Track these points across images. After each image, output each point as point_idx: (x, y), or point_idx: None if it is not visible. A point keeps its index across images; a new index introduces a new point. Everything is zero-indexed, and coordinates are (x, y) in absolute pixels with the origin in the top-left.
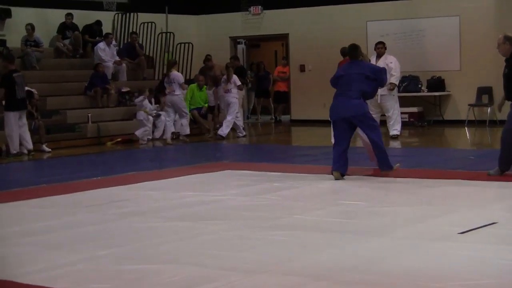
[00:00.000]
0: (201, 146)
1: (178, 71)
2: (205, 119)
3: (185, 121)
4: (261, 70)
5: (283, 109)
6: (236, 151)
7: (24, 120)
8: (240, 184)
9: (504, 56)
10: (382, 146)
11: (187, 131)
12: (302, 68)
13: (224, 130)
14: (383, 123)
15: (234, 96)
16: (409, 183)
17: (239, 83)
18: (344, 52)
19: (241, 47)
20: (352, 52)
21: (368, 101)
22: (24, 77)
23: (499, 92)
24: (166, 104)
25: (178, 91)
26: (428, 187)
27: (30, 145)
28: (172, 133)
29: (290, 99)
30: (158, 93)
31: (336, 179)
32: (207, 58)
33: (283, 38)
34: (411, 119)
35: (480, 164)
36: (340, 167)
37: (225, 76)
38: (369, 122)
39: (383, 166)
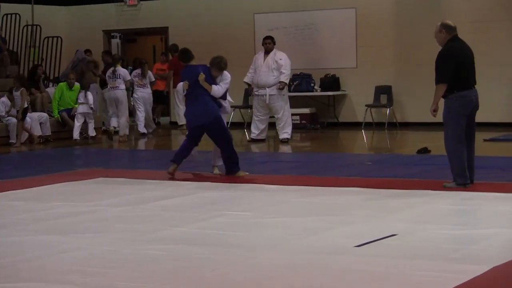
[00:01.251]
0: (70, 151)
1: (43, 68)
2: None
3: (124, 120)
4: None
5: (162, 110)
6: (112, 156)
7: None
8: (114, 193)
9: (440, 46)
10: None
11: (126, 131)
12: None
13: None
14: (272, 125)
15: (125, 94)
16: (300, 192)
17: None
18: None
19: (115, 41)
20: (182, 57)
21: (255, 102)
22: None
23: (398, 92)
24: (108, 100)
25: (122, 87)
26: (321, 196)
27: None
28: (39, 136)
29: (169, 99)
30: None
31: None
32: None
33: (162, 32)
34: (303, 121)
35: (378, 170)
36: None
37: (137, 71)
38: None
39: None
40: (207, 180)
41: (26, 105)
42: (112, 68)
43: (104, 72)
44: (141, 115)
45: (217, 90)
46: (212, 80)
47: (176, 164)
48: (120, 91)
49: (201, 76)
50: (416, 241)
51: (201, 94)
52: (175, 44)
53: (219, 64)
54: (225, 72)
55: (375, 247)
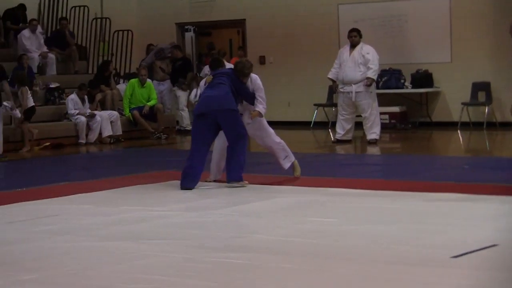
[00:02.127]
0: (142, 152)
1: (113, 64)
2: (150, 120)
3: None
4: None
5: None
6: (184, 158)
7: None
8: (188, 197)
9: None
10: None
11: None
12: (262, 61)
13: None
14: (359, 125)
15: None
16: (388, 197)
17: None
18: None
19: (189, 35)
20: (213, 65)
21: (341, 100)
22: None
23: (498, 88)
24: None
25: None
26: (411, 201)
27: None
28: (109, 136)
29: None
30: (92, 89)
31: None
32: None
33: (239, 24)
34: (393, 121)
35: (476, 174)
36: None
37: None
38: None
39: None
40: (280, 183)
41: (31, 104)
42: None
43: (173, 67)
44: None
45: (262, 109)
46: (241, 84)
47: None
48: None
49: (254, 114)
50: None
51: (223, 83)
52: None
53: (242, 71)
54: (254, 76)
55: (474, 258)
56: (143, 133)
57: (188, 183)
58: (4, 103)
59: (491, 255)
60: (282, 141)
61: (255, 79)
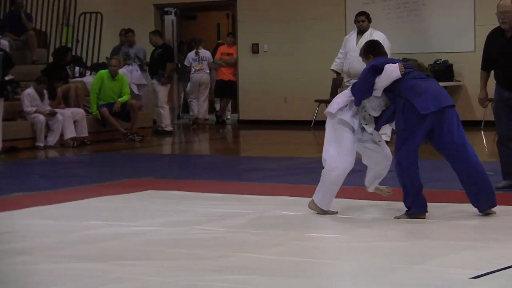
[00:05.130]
0: (113, 157)
1: (79, 52)
2: (122, 119)
3: (207, 103)
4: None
5: (227, 106)
6: (162, 163)
7: None
8: (168, 209)
9: (508, 31)
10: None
11: (207, 115)
12: (254, 49)
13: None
14: None
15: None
16: (394, 209)
17: None
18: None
19: (170, 18)
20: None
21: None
22: None
23: None
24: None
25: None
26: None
27: None
28: (73, 138)
29: (238, 91)
30: (54, 82)
31: None
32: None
33: (229, 6)
34: None
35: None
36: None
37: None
38: None
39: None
40: (275, 193)
41: None
42: (194, 51)
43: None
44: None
45: None
46: None
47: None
48: (206, 75)
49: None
50: None
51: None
52: None
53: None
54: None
55: (497, 279)
56: (113, 134)
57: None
58: None
59: None
60: None
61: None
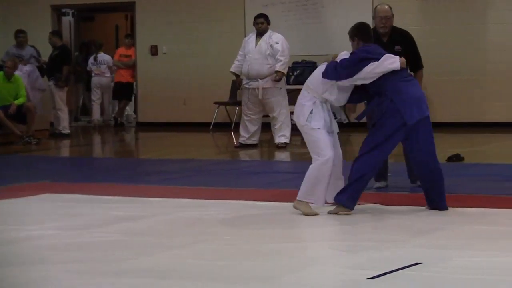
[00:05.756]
0: (8, 160)
1: None
2: (17, 121)
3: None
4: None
5: (126, 108)
6: (59, 166)
7: None
8: (65, 213)
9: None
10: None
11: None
12: (153, 51)
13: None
14: (267, 126)
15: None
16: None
17: None
18: None
19: (67, 20)
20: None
21: (245, 98)
22: None
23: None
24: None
25: (108, 74)
26: (323, 215)
27: None
28: None
29: (137, 93)
30: None
31: None
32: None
33: (127, 8)
34: None
35: (400, 181)
36: None
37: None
38: None
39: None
40: (186, 196)
41: None
42: (94, 55)
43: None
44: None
45: None
46: None
47: None
48: (106, 78)
49: None
50: (447, 271)
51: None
52: None
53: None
54: None
55: (395, 279)
56: (8, 137)
57: None
58: None
59: (414, 275)
60: None
61: None
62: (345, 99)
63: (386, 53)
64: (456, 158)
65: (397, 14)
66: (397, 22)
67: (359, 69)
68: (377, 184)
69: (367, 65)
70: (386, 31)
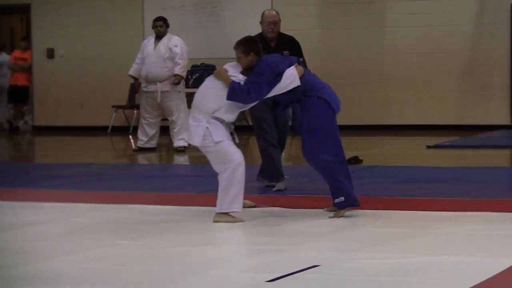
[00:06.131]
0: None
1: None
2: None
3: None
4: None
5: (22, 112)
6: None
7: None
8: None
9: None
10: None
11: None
12: (50, 54)
13: None
14: (165, 130)
15: None
16: (201, 213)
17: None
18: None
19: None
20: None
21: (144, 101)
22: None
23: None
24: None
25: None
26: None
27: None
28: None
29: (33, 97)
30: None
31: None
32: None
33: (22, 10)
34: None
35: (297, 183)
36: None
37: None
38: None
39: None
40: (82, 200)
41: None
42: None
43: None
44: None
45: None
46: None
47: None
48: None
49: None
50: (343, 273)
51: None
52: None
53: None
54: None
55: (293, 281)
56: None
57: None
58: None
59: (312, 277)
60: None
61: None
62: (235, 116)
63: (286, 67)
64: (354, 160)
65: (297, 17)
66: (297, 26)
67: (276, 83)
68: (278, 187)
69: (279, 81)
70: (274, 36)
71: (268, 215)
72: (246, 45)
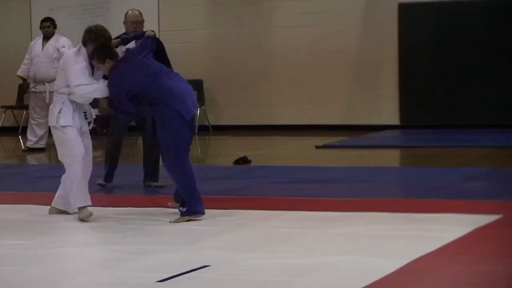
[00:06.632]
0: None
1: None
2: None
3: None
4: None
5: None
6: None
7: None
8: None
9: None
10: None
11: None
12: None
13: None
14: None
15: None
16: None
17: None
18: None
19: None
20: None
21: (32, 102)
22: None
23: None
24: None
25: None
26: (115, 219)
27: None
28: None
29: None
30: None
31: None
32: None
33: None
34: (94, 125)
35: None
36: None
37: None
38: None
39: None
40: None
41: None
42: None
43: None
44: None
45: None
46: None
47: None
48: None
49: None
50: (233, 273)
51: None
52: None
53: None
54: None
55: (183, 281)
56: None
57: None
58: None
59: (203, 277)
60: None
61: None
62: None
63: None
64: (243, 161)
65: (185, 18)
66: (185, 26)
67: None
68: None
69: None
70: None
71: (160, 214)
72: (99, 54)
